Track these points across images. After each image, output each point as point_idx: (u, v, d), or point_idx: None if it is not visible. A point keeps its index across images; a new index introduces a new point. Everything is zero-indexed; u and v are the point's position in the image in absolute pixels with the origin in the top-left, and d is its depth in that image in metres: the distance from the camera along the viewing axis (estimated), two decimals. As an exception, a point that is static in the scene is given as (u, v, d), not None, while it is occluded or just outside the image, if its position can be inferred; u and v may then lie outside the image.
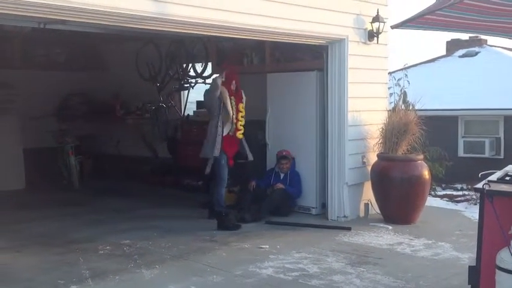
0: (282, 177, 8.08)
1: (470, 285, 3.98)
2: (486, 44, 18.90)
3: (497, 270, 3.34)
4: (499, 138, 15.05)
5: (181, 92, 10.92)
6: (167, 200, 9.20)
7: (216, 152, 7.16)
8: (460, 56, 18.56)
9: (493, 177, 3.88)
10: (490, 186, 3.40)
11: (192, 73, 10.25)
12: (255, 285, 5.16)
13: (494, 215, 3.24)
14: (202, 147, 7.36)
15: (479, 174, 4.27)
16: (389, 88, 8.91)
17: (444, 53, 20.26)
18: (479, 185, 3.46)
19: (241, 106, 7.41)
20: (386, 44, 8.29)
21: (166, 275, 5.39)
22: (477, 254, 3.58)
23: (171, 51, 10.18)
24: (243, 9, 6.36)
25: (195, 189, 9.47)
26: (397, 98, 8.91)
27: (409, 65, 13.09)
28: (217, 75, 7.56)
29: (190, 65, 10.23)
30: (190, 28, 6.34)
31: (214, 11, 6.07)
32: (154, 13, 5.64)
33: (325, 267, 5.69)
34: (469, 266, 4.02)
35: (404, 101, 8.89)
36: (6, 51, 9.92)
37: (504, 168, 4.50)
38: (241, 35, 7.01)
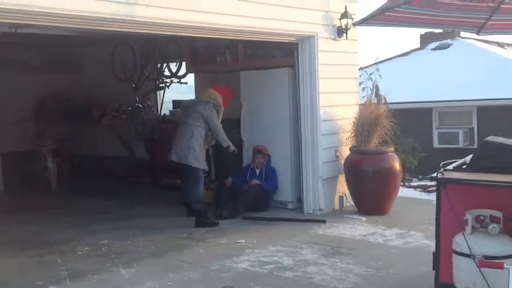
0: (257, 173, 8.21)
1: (434, 271, 4.15)
2: (459, 36, 19.23)
3: (453, 254, 3.52)
4: (473, 128, 15.38)
5: (157, 92, 11.00)
6: (145, 199, 9.31)
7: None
8: (432, 49, 18.88)
9: (451, 167, 4.06)
10: (443, 175, 3.58)
11: (167, 73, 10.34)
12: (230, 279, 5.29)
13: (448, 202, 3.42)
14: (198, 157, 7.40)
15: (441, 164, 4.43)
16: (361, 83, 9.10)
17: (418, 46, 20.58)
18: (435, 174, 3.63)
19: None
20: (355, 40, 8.46)
21: (143, 273, 5.49)
22: (436, 240, 3.75)
23: (145, 51, 10.25)
24: (213, 9, 6.44)
25: (173, 187, 9.55)
26: (369, 92, 9.12)
27: (380, 59, 13.42)
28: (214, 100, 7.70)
29: (164, 64, 10.32)
30: (160, 29, 6.42)
31: (183, 11, 6.14)
32: (123, 15, 5.68)
33: (300, 259, 5.84)
34: (433, 253, 4.18)
35: (377, 95, 9.10)
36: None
37: (465, 157, 4.68)
38: (212, 35, 7.10)
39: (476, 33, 5.55)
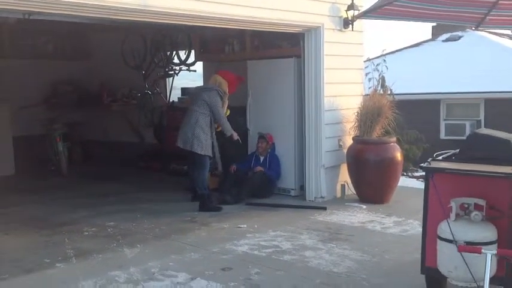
0: (261, 161, 8.39)
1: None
2: (470, 28, 19.18)
3: (438, 240, 3.68)
4: (480, 121, 15.42)
5: (166, 79, 11.19)
6: (153, 184, 9.52)
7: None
8: (443, 41, 18.88)
9: (441, 157, 4.21)
10: (430, 164, 3.74)
11: (176, 60, 10.53)
12: (230, 260, 5.49)
13: (435, 190, 3.58)
14: (203, 144, 7.52)
15: (434, 154, 4.58)
16: (367, 74, 9.22)
17: (430, 37, 20.57)
18: (423, 164, 3.79)
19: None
20: (361, 31, 8.57)
21: (147, 253, 5.71)
22: (423, 226, 3.91)
23: (156, 39, 10.44)
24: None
25: (180, 173, 9.76)
26: (375, 83, 9.24)
27: (387, 51, 13.43)
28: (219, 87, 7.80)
29: (174, 52, 10.50)
30: (173, 19, 6.58)
31: (196, 1, 6.30)
32: (138, 5, 5.84)
33: (298, 244, 6.03)
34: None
35: (383, 86, 9.22)
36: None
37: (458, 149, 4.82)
38: (222, 25, 7.25)
39: (475, 28, 5.66)
